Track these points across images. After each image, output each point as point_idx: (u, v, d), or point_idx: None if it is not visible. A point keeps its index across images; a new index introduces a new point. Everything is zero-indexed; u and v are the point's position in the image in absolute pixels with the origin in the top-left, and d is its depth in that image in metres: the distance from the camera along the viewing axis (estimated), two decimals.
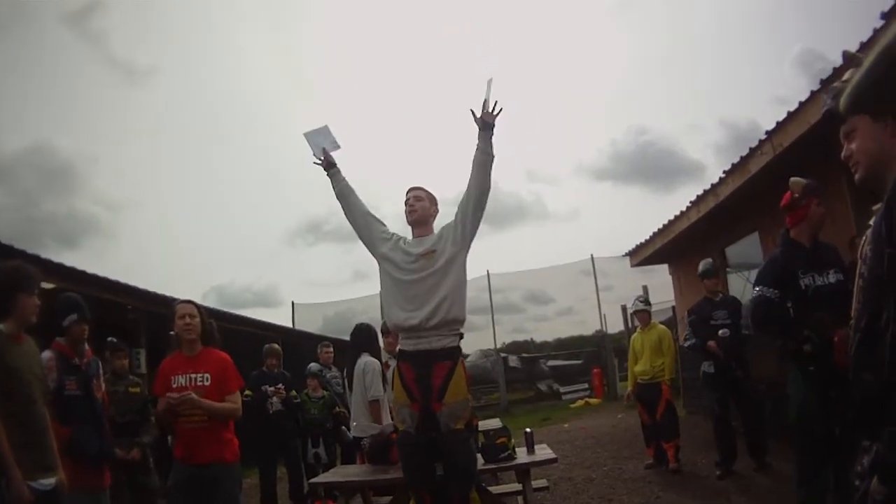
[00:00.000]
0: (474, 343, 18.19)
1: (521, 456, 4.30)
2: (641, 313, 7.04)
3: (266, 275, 46.58)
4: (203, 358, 3.53)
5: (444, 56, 59.79)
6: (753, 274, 7.27)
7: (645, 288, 12.74)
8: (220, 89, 49.70)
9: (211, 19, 53.70)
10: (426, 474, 3.28)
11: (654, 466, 6.52)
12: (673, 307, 11.84)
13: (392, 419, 4.39)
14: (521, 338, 22.55)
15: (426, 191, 3.59)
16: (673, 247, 10.31)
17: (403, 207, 3.57)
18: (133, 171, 44.89)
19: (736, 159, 7.02)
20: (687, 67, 54.76)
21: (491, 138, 3.34)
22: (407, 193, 3.58)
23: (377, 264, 3.55)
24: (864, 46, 4.13)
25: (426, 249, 3.39)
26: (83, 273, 6.82)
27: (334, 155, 3.65)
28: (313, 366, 7.10)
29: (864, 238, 1.50)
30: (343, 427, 6.45)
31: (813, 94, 5.20)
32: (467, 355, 16.71)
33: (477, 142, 3.35)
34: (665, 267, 12.12)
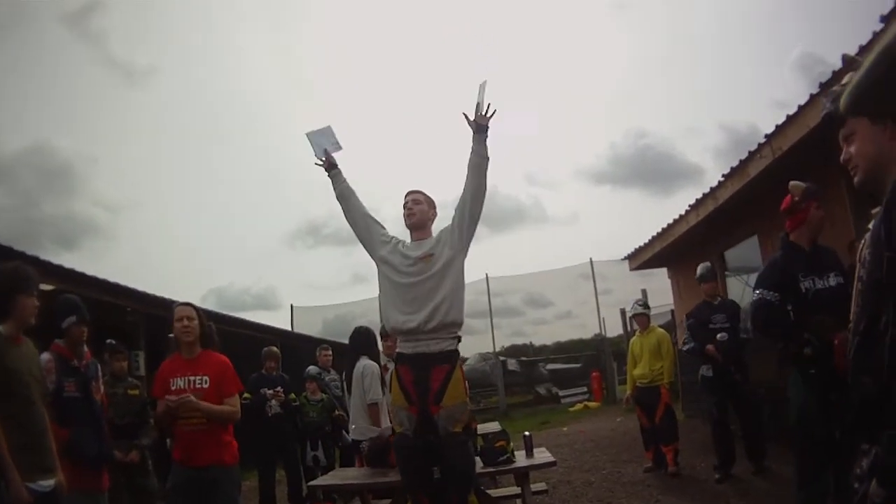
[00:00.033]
0: (473, 346, 18.21)
1: (520, 459, 4.30)
2: (640, 317, 7.05)
3: (265, 277, 46.51)
4: (202, 361, 3.53)
5: (444, 56, 59.82)
6: (752, 277, 7.30)
7: (644, 291, 12.78)
8: (220, 89, 49.71)
9: (211, 19, 53.74)
10: (424, 477, 3.27)
11: (653, 470, 6.51)
12: (672, 311, 11.84)
13: (391, 422, 4.39)
14: (519, 341, 22.53)
15: (424, 194, 3.59)
16: (672, 250, 10.31)
17: (402, 210, 3.58)
18: (132, 173, 44.88)
19: (735, 163, 7.03)
20: (686, 68, 54.80)
21: (485, 141, 3.35)
22: (405, 197, 3.59)
23: (376, 267, 3.56)
24: (864, 50, 4.14)
25: (424, 253, 3.40)
26: (82, 275, 6.81)
27: (336, 156, 3.66)
28: (312, 369, 7.10)
29: (863, 241, 1.51)
30: (343, 431, 6.44)
31: (812, 97, 5.21)
32: (466, 359, 16.70)
33: (471, 144, 3.36)
34: (664, 270, 12.12)
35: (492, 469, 4.21)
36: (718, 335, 5.91)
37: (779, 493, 4.91)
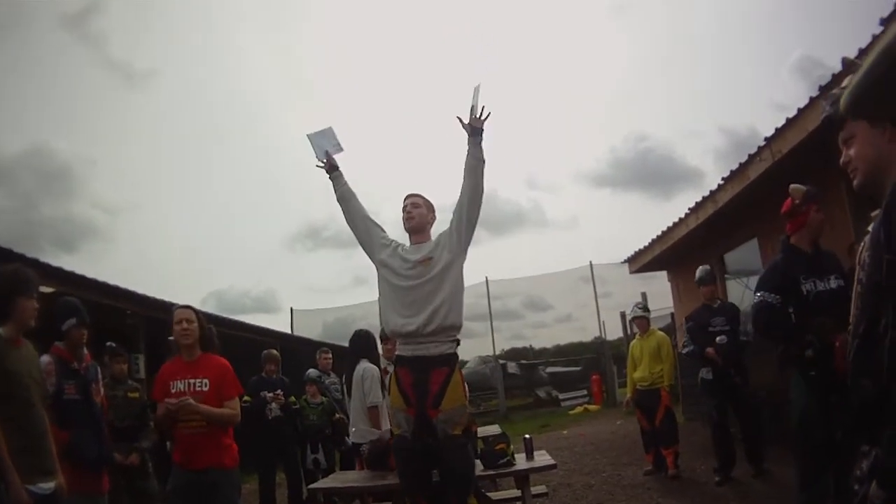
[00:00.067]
0: (473, 349, 18.19)
1: (520, 462, 4.30)
2: (640, 320, 7.04)
3: (265, 280, 46.64)
4: (202, 363, 3.53)
5: (444, 56, 59.98)
6: (752, 280, 7.30)
7: (644, 294, 12.79)
8: (220, 89, 49.85)
9: (211, 19, 53.89)
10: (422, 480, 3.27)
11: (653, 473, 6.51)
12: (672, 314, 11.83)
13: (390, 425, 4.39)
14: (519, 344, 22.58)
15: (424, 198, 3.59)
16: (672, 253, 10.31)
17: (401, 213, 3.58)
18: (131, 174, 44.99)
19: (735, 166, 7.03)
20: (686, 69, 54.99)
21: (480, 143, 3.34)
22: (404, 200, 3.58)
23: (375, 270, 3.56)
24: (863, 53, 4.15)
25: (423, 256, 3.40)
26: (82, 277, 6.81)
27: (337, 157, 3.65)
28: (312, 372, 7.10)
29: (862, 244, 1.51)
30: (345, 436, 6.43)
31: (812, 100, 5.22)
32: (465, 362, 16.69)
33: (467, 147, 3.37)
34: (664, 273, 12.12)
35: (492, 472, 4.21)
36: (718, 338, 5.91)
37: (779, 495, 4.91)
